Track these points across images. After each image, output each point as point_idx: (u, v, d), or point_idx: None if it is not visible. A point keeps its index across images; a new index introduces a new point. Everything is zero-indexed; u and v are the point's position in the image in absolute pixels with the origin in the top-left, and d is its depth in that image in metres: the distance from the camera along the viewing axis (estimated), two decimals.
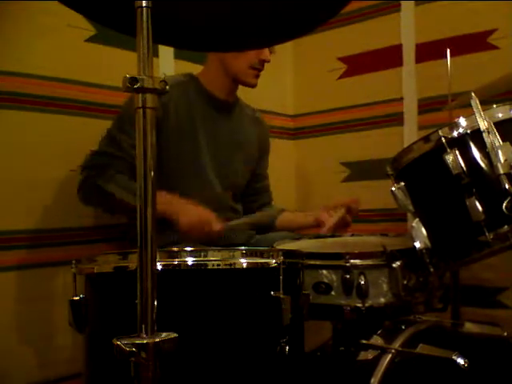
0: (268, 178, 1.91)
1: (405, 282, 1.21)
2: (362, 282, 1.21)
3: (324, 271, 1.25)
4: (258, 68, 1.60)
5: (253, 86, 1.64)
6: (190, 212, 1.38)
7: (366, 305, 1.21)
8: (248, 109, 1.82)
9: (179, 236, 1.40)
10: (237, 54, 1.58)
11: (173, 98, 1.53)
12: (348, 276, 1.22)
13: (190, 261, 0.90)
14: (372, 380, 1.07)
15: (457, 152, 1.11)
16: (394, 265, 1.21)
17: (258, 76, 1.62)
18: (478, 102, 1.12)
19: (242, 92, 1.75)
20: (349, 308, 1.22)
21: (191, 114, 1.59)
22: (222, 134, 1.65)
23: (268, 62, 1.60)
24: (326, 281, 1.24)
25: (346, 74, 2.37)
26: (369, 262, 1.23)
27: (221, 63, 1.62)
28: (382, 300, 1.23)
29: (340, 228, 1.65)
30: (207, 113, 1.62)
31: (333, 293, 1.24)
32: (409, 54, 2.14)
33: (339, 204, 1.65)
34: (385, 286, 1.23)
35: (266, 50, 1.59)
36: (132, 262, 0.91)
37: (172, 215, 1.36)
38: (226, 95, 1.67)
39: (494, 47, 1.93)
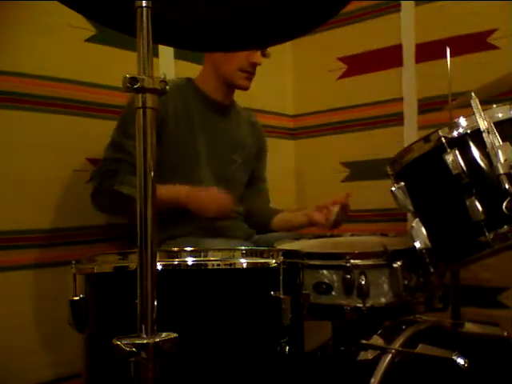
0: (266, 181, 1.90)
1: (405, 282, 1.21)
2: (363, 282, 1.21)
3: (325, 271, 1.25)
4: (249, 71, 1.58)
5: (244, 88, 1.62)
6: (201, 198, 1.45)
7: (367, 305, 1.21)
8: (244, 112, 1.81)
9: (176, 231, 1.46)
10: (227, 57, 1.57)
11: (171, 101, 1.53)
12: (349, 276, 1.22)
13: (190, 261, 0.90)
14: (372, 380, 1.07)
15: (457, 152, 1.11)
16: (394, 265, 1.21)
17: (249, 78, 1.60)
18: (477, 102, 1.12)
19: (242, 92, 1.74)
20: (349, 308, 1.22)
21: (190, 116, 1.59)
22: (220, 136, 1.65)
23: (259, 64, 1.57)
24: (326, 281, 1.24)
25: (345, 74, 2.37)
26: (369, 261, 1.23)
27: (213, 66, 1.61)
28: (383, 300, 1.23)
29: (334, 226, 1.63)
30: (205, 115, 1.62)
31: (333, 293, 1.24)
32: (409, 54, 2.14)
33: (332, 202, 1.61)
34: (385, 286, 1.23)
35: (258, 53, 1.57)
36: (132, 262, 0.91)
37: (186, 205, 1.44)
38: (222, 97, 1.66)
39: (494, 47, 1.93)
